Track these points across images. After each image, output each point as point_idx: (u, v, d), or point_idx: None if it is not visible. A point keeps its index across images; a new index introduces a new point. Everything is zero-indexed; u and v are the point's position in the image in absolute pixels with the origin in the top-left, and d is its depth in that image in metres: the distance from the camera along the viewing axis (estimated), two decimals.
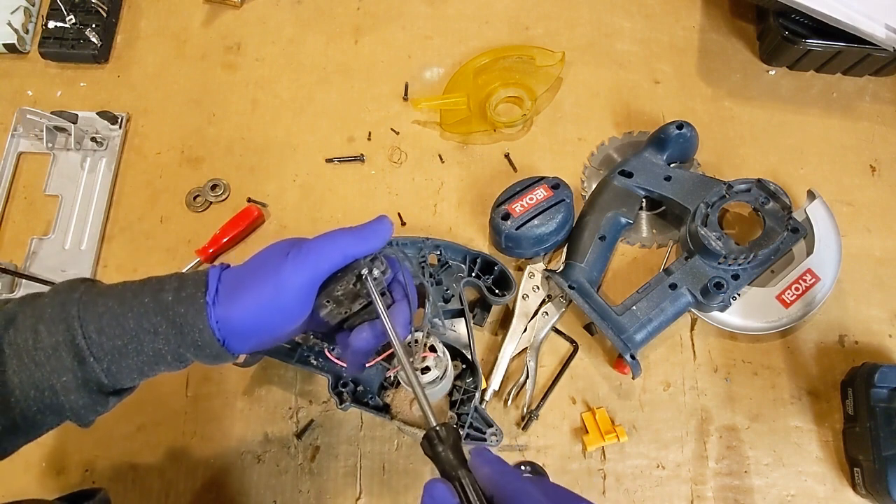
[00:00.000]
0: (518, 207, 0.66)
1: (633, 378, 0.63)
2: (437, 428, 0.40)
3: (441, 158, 0.76)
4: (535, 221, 0.65)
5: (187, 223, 0.73)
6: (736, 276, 0.62)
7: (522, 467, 0.61)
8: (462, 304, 0.64)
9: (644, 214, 0.72)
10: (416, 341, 0.56)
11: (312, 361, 0.62)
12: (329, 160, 0.76)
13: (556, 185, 0.67)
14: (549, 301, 0.67)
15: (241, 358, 0.61)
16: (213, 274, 0.46)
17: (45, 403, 0.42)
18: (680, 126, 0.68)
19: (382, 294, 0.47)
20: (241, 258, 0.56)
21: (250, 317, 0.44)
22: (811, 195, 0.67)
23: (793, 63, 0.77)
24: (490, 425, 0.59)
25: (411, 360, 0.50)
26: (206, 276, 0.45)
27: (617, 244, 0.70)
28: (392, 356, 0.57)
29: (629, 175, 0.68)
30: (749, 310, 0.64)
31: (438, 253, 0.66)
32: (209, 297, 0.44)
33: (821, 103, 0.77)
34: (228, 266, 0.47)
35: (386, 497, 0.62)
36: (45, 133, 0.74)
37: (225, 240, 0.70)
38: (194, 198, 0.74)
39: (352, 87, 0.79)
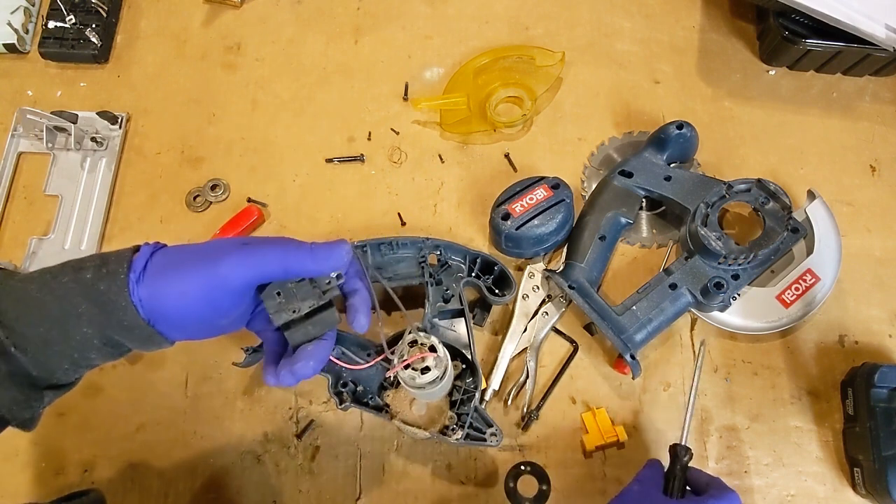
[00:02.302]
0: (518, 207, 0.66)
1: (633, 378, 0.63)
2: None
3: (441, 158, 0.76)
4: (535, 221, 0.65)
5: (187, 223, 0.73)
6: (736, 276, 0.62)
7: (522, 467, 0.61)
8: (462, 304, 0.63)
9: (644, 214, 0.72)
10: (417, 341, 0.56)
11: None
12: (329, 160, 0.76)
13: (556, 185, 0.67)
14: (549, 301, 0.67)
15: (241, 358, 0.61)
16: (144, 251, 0.44)
17: None
18: (680, 126, 0.68)
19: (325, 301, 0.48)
20: None
21: (178, 302, 0.43)
22: (811, 195, 0.67)
23: (793, 63, 0.77)
24: (490, 425, 0.59)
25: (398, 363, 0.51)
26: (131, 253, 0.44)
27: (617, 244, 0.70)
28: (392, 355, 0.57)
29: (629, 175, 0.68)
30: (749, 310, 0.64)
31: (438, 253, 0.66)
32: (133, 275, 0.42)
33: (821, 103, 0.77)
34: (164, 246, 0.46)
35: (386, 497, 0.62)
36: (45, 133, 0.74)
37: None
38: (194, 198, 0.74)
39: (352, 87, 0.79)
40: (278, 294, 0.46)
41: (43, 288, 0.42)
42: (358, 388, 0.62)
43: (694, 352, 0.67)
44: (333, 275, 0.47)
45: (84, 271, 0.42)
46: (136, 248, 0.44)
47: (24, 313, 0.41)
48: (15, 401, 0.42)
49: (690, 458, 0.57)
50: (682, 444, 0.57)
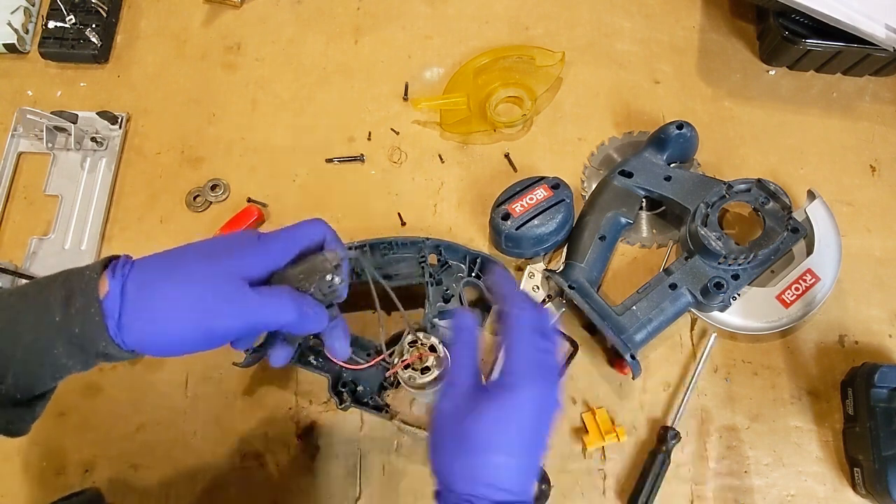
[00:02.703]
0: (518, 207, 0.66)
1: (633, 378, 0.63)
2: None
3: (441, 158, 0.76)
4: (535, 221, 0.65)
5: (187, 223, 0.73)
6: (736, 276, 0.62)
7: None
8: (462, 304, 0.64)
9: (644, 214, 0.72)
10: (417, 341, 0.56)
11: (312, 361, 0.62)
12: (329, 160, 0.76)
13: (556, 185, 0.67)
14: (549, 301, 0.67)
15: (241, 359, 0.61)
16: (114, 290, 0.40)
17: None
18: (680, 126, 0.68)
19: (330, 306, 0.48)
20: None
21: (167, 346, 0.41)
22: (811, 195, 0.67)
23: (793, 63, 0.77)
24: None
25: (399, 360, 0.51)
26: (97, 285, 0.40)
27: (617, 244, 0.70)
28: (391, 356, 0.57)
29: (629, 175, 0.68)
30: (749, 310, 0.64)
31: (438, 253, 0.66)
32: (111, 319, 0.39)
33: (821, 103, 0.77)
34: (132, 265, 0.42)
35: (386, 497, 0.62)
36: (45, 133, 0.74)
37: None
38: (194, 198, 0.74)
39: (352, 87, 0.79)
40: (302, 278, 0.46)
41: (6, 328, 0.40)
42: (358, 388, 0.62)
43: (694, 352, 0.67)
44: (336, 280, 0.46)
45: (50, 312, 0.40)
46: (103, 266, 0.41)
47: None
48: (10, 420, 0.43)
49: (678, 441, 0.61)
50: (672, 426, 0.61)
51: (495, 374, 0.47)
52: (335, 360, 0.54)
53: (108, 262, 0.42)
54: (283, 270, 0.45)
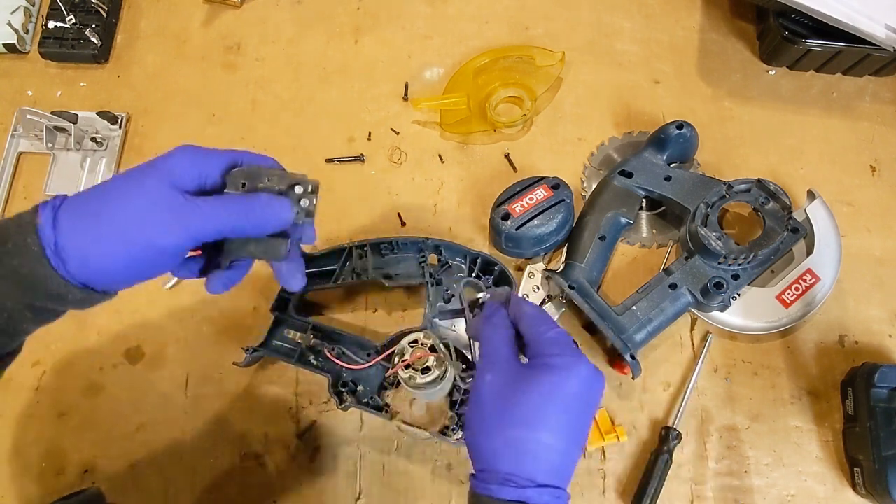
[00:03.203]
0: (518, 207, 0.66)
1: (633, 378, 0.63)
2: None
3: (441, 158, 0.76)
4: (535, 221, 0.65)
5: None
6: (736, 276, 0.62)
7: None
8: (462, 304, 0.63)
9: (644, 214, 0.72)
10: (417, 341, 0.56)
11: (312, 361, 0.62)
12: (329, 160, 0.76)
13: (556, 185, 0.67)
14: (549, 301, 0.67)
15: (241, 358, 0.61)
16: (46, 216, 0.39)
17: None
18: (680, 126, 0.68)
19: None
20: None
21: (109, 264, 0.39)
22: (811, 195, 0.67)
23: (793, 63, 0.77)
24: None
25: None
26: (32, 218, 0.39)
27: (617, 244, 0.70)
28: (392, 356, 0.57)
29: (629, 175, 0.68)
30: (749, 310, 0.64)
31: (438, 253, 0.66)
32: (48, 253, 0.38)
33: (821, 103, 0.77)
34: (63, 198, 0.40)
35: (386, 497, 0.62)
36: (45, 133, 0.74)
37: None
38: None
39: (352, 87, 0.79)
40: (243, 185, 0.43)
41: None
42: (358, 388, 0.62)
43: (694, 352, 0.67)
44: (304, 205, 0.44)
45: None
46: (34, 210, 0.40)
47: None
48: None
49: (679, 442, 0.61)
50: (673, 427, 0.61)
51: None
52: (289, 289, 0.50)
53: (40, 204, 0.41)
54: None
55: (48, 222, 0.39)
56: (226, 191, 0.43)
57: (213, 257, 0.46)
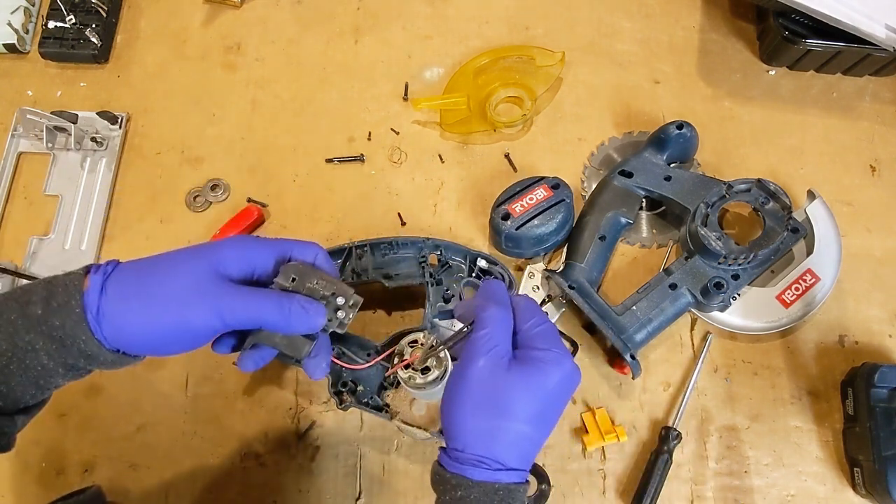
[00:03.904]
0: (518, 207, 0.66)
1: (633, 378, 0.63)
2: None
3: (441, 158, 0.76)
4: (535, 221, 0.65)
5: (187, 223, 0.73)
6: (736, 276, 0.62)
7: None
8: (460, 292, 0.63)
9: (644, 214, 0.72)
10: (416, 341, 0.56)
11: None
12: (329, 160, 0.76)
13: (556, 185, 0.67)
14: (549, 301, 0.67)
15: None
16: (94, 284, 0.41)
17: None
18: (680, 126, 0.68)
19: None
20: None
21: (144, 337, 0.41)
22: (811, 195, 0.67)
23: (793, 63, 0.77)
24: None
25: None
26: (80, 281, 0.41)
27: (617, 244, 0.70)
28: (392, 356, 0.57)
29: (629, 175, 0.68)
30: (749, 310, 0.64)
31: (438, 253, 0.66)
32: (90, 311, 0.40)
33: (821, 103, 0.77)
34: (115, 265, 0.43)
35: (386, 497, 0.62)
36: (45, 133, 0.74)
37: None
38: (194, 198, 0.74)
39: (352, 87, 0.79)
40: (293, 280, 0.45)
41: None
42: (358, 388, 0.62)
43: (694, 352, 0.67)
44: (340, 317, 0.46)
45: (31, 306, 0.40)
46: (86, 271, 0.42)
47: None
48: None
49: (679, 442, 0.61)
50: (673, 427, 0.62)
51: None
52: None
53: (92, 266, 0.43)
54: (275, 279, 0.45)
55: (96, 289, 0.41)
56: (275, 280, 0.45)
57: (245, 336, 0.48)
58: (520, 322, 0.46)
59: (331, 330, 0.47)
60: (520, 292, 0.67)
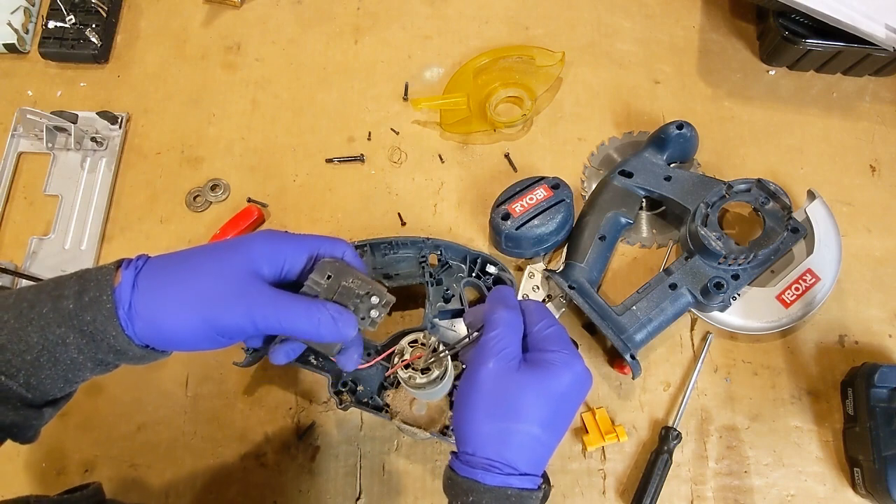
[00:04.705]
0: (518, 207, 0.66)
1: (633, 378, 0.63)
2: None
3: (441, 158, 0.76)
4: (535, 221, 0.65)
5: (187, 223, 0.73)
6: (736, 276, 0.62)
7: None
8: (462, 304, 0.63)
9: (644, 214, 0.72)
10: (416, 341, 0.56)
11: (312, 361, 0.62)
12: (329, 160, 0.76)
13: (556, 185, 0.67)
14: (549, 301, 0.67)
15: (242, 358, 0.61)
16: (126, 280, 0.41)
17: None
18: (680, 126, 0.68)
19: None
20: None
21: (174, 334, 0.41)
22: (811, 195, 0.67)
23: (793, 63, 0.77)
24: None
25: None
26: (111, 276, 0.41)
27: (617, 244, 0.70)
28: (392, 356, 0.57)
29: (629, 175, 0.68)
30: (749, 310, 0.64)
31: (438, 253, 0.66)
32: (121, 307, 0.40)
33: (821, 103, 0.77)
34: (146, 260, 0.43)
35: (386, 497, 0.62)
36: (45, 133, 0.74)
37: None
38: (194, 198, 0.74)
39: (352, 87, 0.79)
40: (328, 277, 0.45)
41: (21, 318, 0.40)
42: (358, 388, 0.62)
43: (694, 352, 0.67)
44: (373, 315, 0.46)
45: (64, 300, 0.40)
46: (117, 266, 0.42)
47: (7, 343, 0.40)
48: (14, 423, 0.42)
49: (679, 442, 0.62)
50: (673, 427, 0.62)
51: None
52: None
53: (123, 261, 0.43)
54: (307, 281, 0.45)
55: (128, 284, 0.41)
56: (311, 277, 0.45)
57: None
58: (530, 325, 0.46)
59: (364, 328, 0.47)
60: (520, 292, 0.67)
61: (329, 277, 0.46)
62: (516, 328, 0.45)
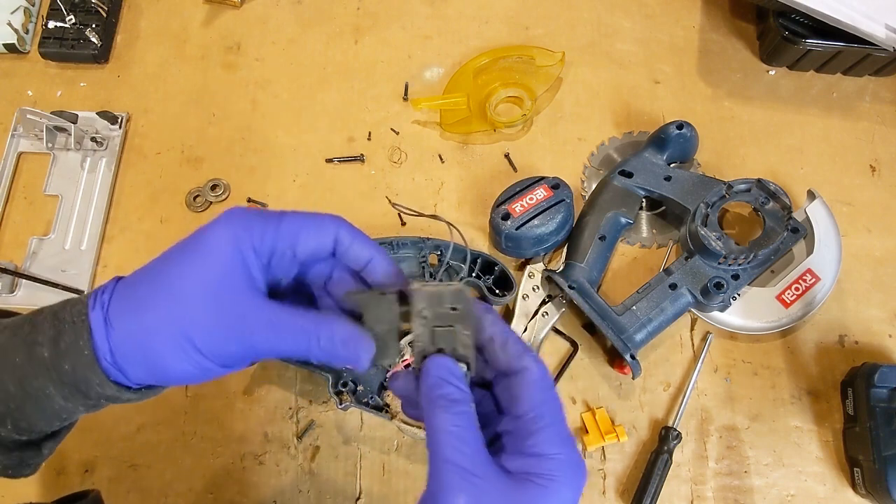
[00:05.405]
0: (518, 207, 0.66)
1: (633, 378, 0.63)
2: None
3: (441, 158, 0.76)
4: (535, 221, 0.65)
5: (187, 223, 0.73)
6: (736, 276, 0.62)
7: None
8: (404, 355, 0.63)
9: (644, 214, 0.72)
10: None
11: (313, 361, 0.62)
12: (329, 160, 0.76)
13: (556, 185, 0.67)
14: (549, 301, 0.67)
15: None
16: (97, 322, 0.34)
17: None
18: (680, 126, 0.68)
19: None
20: None
21: (175, 378, 0.35)
22: (811, 195, 0.67)
23: (793, 63, 0.77)
24: None
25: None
26: (84, 319, 0.34)
27: (617, 244, 0.70)
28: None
29: (629, 175, 0.69)
30: (749, 310, 0.64)
31: (438, 253, 0.66)
32: (103, 356, 0.34)
33: (821, 103, 0.77)
34: (113, 288, 0.35)
35: (386, 497, 0.62)
36: (45, 133, 0.74)
37: None
38: (194, 198, 0.74)
39: (352, 87, 0.79)
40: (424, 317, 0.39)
41: None
42: (358, 388, 0.62)
43: (694, 351, 0.67)
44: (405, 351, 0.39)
45: (38, 347, 0.34)
46: (84, 304, 0.35)
47: None
48: (12, 465, 0.39)
49: (679, 442, 0.62)
50: (673, 427, 0.62)
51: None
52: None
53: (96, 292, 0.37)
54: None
55: (100, 326, 0.34)
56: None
57: None
58: (530, 417, 0.35)
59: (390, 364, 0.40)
60: (520, 292, 0.67)
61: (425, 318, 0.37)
62: (469, 426, 0.35)
